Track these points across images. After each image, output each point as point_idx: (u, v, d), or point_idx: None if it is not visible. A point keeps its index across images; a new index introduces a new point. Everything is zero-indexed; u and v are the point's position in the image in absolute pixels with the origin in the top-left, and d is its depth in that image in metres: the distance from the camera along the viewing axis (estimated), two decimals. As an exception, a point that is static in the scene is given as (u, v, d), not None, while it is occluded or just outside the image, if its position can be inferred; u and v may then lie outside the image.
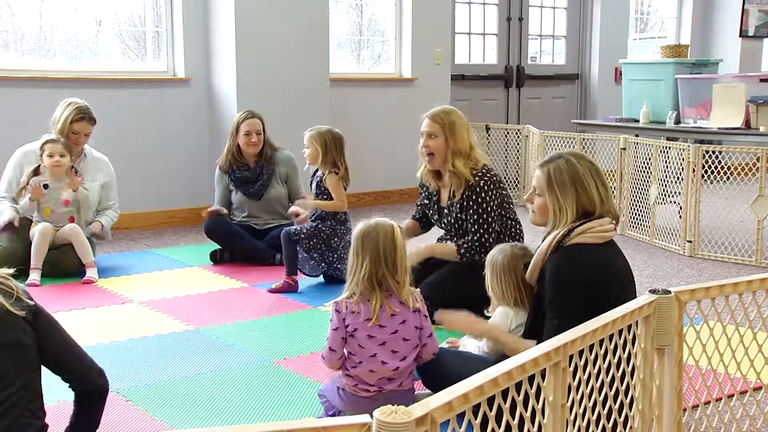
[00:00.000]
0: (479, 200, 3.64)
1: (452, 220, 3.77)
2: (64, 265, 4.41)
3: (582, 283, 2.38)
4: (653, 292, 1.85)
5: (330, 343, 2.54)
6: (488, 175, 3.68)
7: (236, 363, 3.21)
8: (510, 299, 2.71)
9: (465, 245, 3.68)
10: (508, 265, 2.73)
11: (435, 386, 2.67)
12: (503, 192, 3.75)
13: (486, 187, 3.65)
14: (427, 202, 3.94)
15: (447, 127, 3.68)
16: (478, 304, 3.37)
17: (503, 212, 3.75)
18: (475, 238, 3.65)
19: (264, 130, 4.93)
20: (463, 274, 3.66)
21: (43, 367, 2.01)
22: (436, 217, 3.91)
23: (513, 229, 3.80)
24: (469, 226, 3.68)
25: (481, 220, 3.65)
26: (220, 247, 4.87)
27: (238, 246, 4.79)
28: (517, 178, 7.09)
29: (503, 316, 2.71)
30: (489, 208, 3.65)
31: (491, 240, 3.63)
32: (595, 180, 2.49)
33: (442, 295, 3.53)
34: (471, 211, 3.66)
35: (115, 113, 5.75)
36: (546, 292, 2.43)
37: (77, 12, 6.05)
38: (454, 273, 3.72)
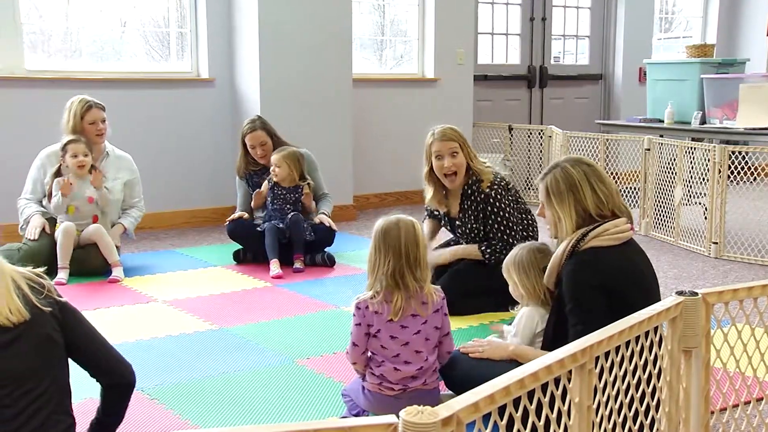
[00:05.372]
0: (496, 209, 3.75)
1: (467, 230, 3.86)
2: (90, 264, 4.45)
3: (600, 286, 2.37)
4: (680, 293, 1.83)
5: (353, 338, 2.54)
6: (497, 181, 3.78)
7: (260, 362, 3.23)
8: (541, 293, 2.68)
9: (489, 249, 3.77)
10: (534, 259, 2.70)
11: (457, 388, 2.67)
12: (513, 192, 3.87)
13: (499, 196, 3.76)
14: (437, 213, 4.04)
15: (462, 141, 3.78)
16: (496, 295, 3.39)
17: (516, 211, 3.86)
18: (501, 242, 3.75)
19: (273, 134, 4.91)
20: (481, 264, 3.76)
21: (71, 363, 2.02)
22: (449, 227, 4.01)
23: (526, 221, 3.92)
24: (492, 232, 3.77)
25: (503, 227, 3.76)
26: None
27: (261, 247, 4.80)
28: (539, 179, 7.05)
29: (529, 318, 2.68)
30: (507, 214, 3.76)
31: (515, 241, 3.70)
32: (591, 182, 2.48)
33: (462, 285, 3.56)
34: (490, 221, 3.76)
35: (139, 113, 5.80)
36: (565, 298, 2.41)
37: (102, 13, 6.11)
38: (473, 264, 3.78)
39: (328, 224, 4.82)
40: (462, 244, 3.93)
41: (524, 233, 3.89)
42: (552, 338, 2.51)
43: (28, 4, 5.70)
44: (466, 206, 3.83)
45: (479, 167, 3.79)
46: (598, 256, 2.40)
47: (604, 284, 2.37)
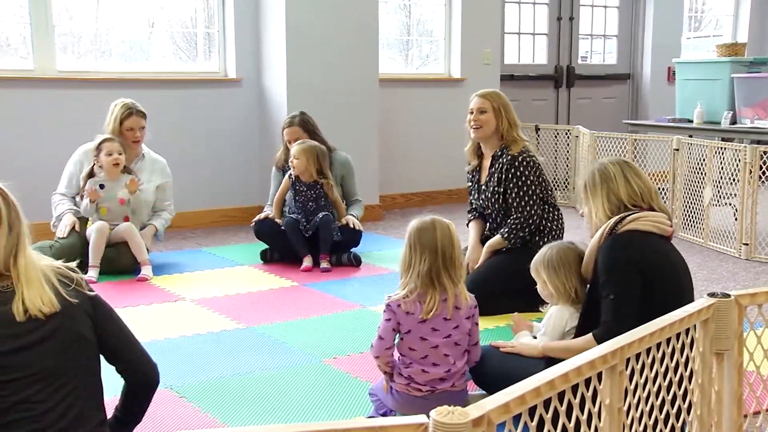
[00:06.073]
0: (519, 174, 3.85)
1: (489, 195, 3.95)
2: (120, 263, 4.50)
3: (635, 263, 2.40)
4: (712, 295, 1.81)
5: (381, 331, 2.54)
6: (528, 154, 3.90)
7: (287, 361, 3.24)
8: (571, 291, 2.67)
9: (507, 229, 3.86)
10: (564, 257, 2.69)
11: (488, 386, 2.67)
12: (543, 176, 3.95)
13: (525, 164, 3.86)
14: (470, 184, 4.15)
15: (498, 104, 3.95)
16: (521, 297, 3.41)
17: (543, 196, 3.92)
18: (518, 217, 3.84)
19: (312, 132, 4.94)
20: (506, 267, 3.81)
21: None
22: (476, 195, 4.09)
23: (552, 215, 3.96)
24: (511, 202, 3.87)
25: (518, 199, 3.84)
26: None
27: (287, 246, 4.82)
28: (566, 180, 7.01)
29: (558, 317, 2.66)
30: (528, 186, 3.85)
31: (533, 218, 3.84)
32: (626, 174, 2.55)
33: (487, 288, 3.56)
34: (512, 185, 3.86)
35: (166, 113, 5.85)
36: (600, 274, 2.44)
37: (131, 15, 6.17)
38: (497, 266, 3.84)
39: (352, 225, 4.83)
40: (487, 211, 4.01)
41: (550, 225, 3.93)
42: (581, 326, 2.51)
43: (60, 7, 5.78)
44: (493, 169, 3.94)
45: (514, 136, 3.92)
46: (635, 238, 2.44)
47: (639, 263, 2.40)
